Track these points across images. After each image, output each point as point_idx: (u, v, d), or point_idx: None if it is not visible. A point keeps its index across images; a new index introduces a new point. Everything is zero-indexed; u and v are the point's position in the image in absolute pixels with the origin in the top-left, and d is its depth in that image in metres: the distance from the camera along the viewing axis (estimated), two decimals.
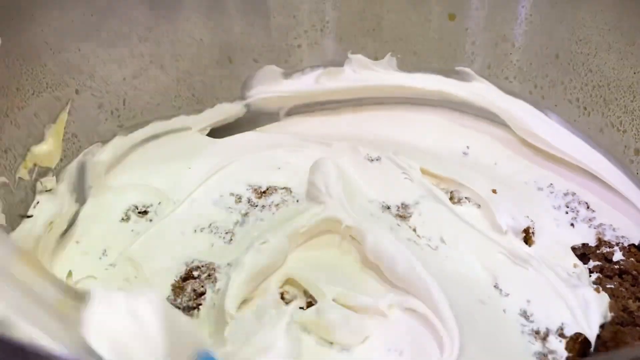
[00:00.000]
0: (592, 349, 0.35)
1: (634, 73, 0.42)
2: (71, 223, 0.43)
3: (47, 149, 0.42)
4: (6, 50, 0.38)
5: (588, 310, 0.36)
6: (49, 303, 0.23)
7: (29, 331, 0.22)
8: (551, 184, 0.47)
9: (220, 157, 0.49)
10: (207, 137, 0.51)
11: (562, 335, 0.36)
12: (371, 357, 0.34)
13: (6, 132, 0.39)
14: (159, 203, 0.45)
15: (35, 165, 0.41)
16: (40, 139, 0.42)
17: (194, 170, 0.48)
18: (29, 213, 0.40)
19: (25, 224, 0.40)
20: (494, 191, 0.45)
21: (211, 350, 0.27)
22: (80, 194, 0.44)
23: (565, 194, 0.46)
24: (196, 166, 0.48)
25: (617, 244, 0.42)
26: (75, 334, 0.23)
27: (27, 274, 0.23)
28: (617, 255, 0.41)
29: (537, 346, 0.35)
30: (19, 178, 0.40)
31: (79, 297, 0.24)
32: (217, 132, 0.52)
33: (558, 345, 0.35)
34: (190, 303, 0.38)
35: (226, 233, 0.43)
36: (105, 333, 0.23)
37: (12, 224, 0.38)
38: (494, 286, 0.39)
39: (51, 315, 0.23)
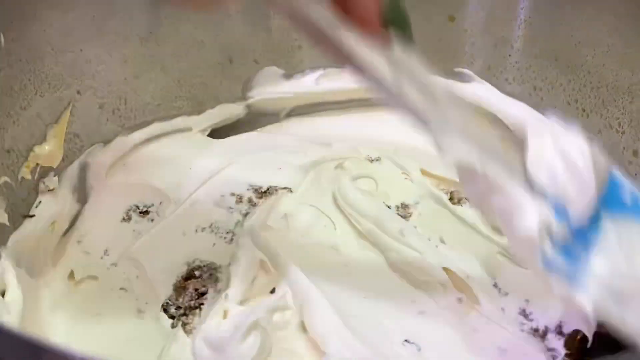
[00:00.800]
0: (589, 345, 0.35)
1: (632, 75, 0.42)
2: (72, 223, 0.43)
3: (49, 149, 0.42)
4: (8, 50, 0.38)
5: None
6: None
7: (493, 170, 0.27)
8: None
9: (221, 158, 0.49)
10: (208, 137, 0.51)
11: (560, 333, 0.36)
12: None
13: (9, 132, 0.39)
14: (160, 203, 0.45)
15: (37, 165, 0.41)
16: (42, 139, 0.42)
17: (194, 171, 0.48)
18: (31, 213, 0.41)
19: (28, 224, 0.40)
20: None
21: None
22: (82, 194, 0.45)
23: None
24: (197, 166, 0.48)
25: None
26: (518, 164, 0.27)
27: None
28: None
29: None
30: (22, 178, 0.40)
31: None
32: (217, 132, 0.52)
33: (557, 343, 0.36)
34: (192, 303, 0.38)
35: (227, 233, 0.43)
36: (543, 164, 0.27)
37: (15, 224, 0.39)
38: (493, 285, 0.39)
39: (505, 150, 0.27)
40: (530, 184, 0.27)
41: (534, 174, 0.27)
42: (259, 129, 0.53)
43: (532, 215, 0.26)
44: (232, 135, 0.52)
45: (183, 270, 0.40)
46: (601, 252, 0.27)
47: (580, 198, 0.27)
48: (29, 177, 0.41)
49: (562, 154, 0.27)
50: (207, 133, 0.52)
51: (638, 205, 0.29)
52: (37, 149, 0.41)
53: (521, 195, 0.26)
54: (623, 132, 0.44)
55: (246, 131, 0.52)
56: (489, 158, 0.27)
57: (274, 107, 0.53)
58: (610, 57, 0.43)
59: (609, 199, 0.28)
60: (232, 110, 0.52)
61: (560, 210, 0.27)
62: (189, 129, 0.51)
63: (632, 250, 0.27)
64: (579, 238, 0.27)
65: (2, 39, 0.37)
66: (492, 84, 0.50)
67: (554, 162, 0.27)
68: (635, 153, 0.44)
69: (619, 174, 0.29)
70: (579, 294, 0.26)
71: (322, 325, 0.35)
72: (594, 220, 0.28)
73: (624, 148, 0.44)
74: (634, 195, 0.29)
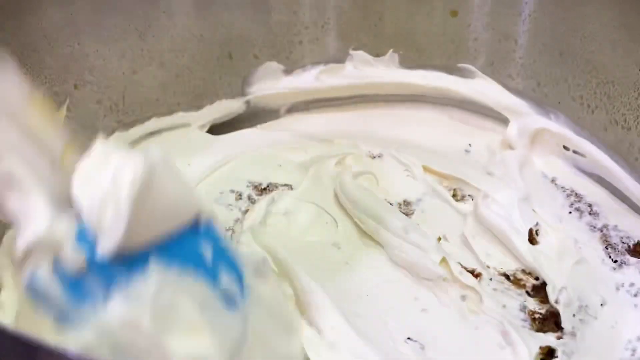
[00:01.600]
0: None
1: (639, 70, 0.42)
2: None
3: None
4: (4, 43, 0.38)
5: None
6: (49, 149, 0.25)
7: (14, 166, 0.24)
8: (555, 183, 0.46)
9: (220, 154, 0.49)
10: (207, 133, 0.51)
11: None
12: None
13: None
14: None
15: None
16: None
17: (193, 167, 0.47)
18: None
19: None
20: None
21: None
22: None
23: (569, 194, 0.46)
24: (196, 163, 0.48)
25: (622, 244, 0.42)
26: (62, 181, 0.24)
27: (35, 119, 0.24)
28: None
29: None
30: None
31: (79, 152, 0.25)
32: (216, 128, 0.52)
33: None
34: None
35: (226, 230, 0.43)
36: (87, 185, 0.24)
37: None
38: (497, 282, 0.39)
39: (45, 158, 0.24)
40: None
41: (76, 189, 0.24)
42: (258, 125, 0.53)
43: (36, 227, 0.24)
44: (231, 131, 0.51)
45: None
46: (127, 295, 0.24)
47: (112, 232, 0.23)
48: None
49: (113, 179, 0.24)
50: (206, 129, 0.51)
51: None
52: None
53: (41, 203, 0.24)
54: (629, 129, 0.43)
55: (246, 127, 0.52)
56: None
57: (274, 103, 0.53)
58: (616, 52, 0.43)
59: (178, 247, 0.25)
60: (231, 106, 0.52)
61: (83, 237, 0.24)
62: (188, 125, 0.50)
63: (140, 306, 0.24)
64: (100, 272, 0.24)
65: None
66: (496, 80, 0.50)
67: (100, 185, 0.24)
68: None
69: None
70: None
71: (325, 323, 0.35)
72: (138, 260, 0.24)
73: (629, 144, 0.44)
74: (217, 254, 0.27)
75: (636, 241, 0.42)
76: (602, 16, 0.44)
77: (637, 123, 0.43)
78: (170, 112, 0.49)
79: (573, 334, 0.36)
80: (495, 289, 0.39)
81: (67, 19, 0.42)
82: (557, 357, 0.34)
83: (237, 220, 0.44)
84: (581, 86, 0.46)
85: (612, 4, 0.43)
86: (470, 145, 0.50)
